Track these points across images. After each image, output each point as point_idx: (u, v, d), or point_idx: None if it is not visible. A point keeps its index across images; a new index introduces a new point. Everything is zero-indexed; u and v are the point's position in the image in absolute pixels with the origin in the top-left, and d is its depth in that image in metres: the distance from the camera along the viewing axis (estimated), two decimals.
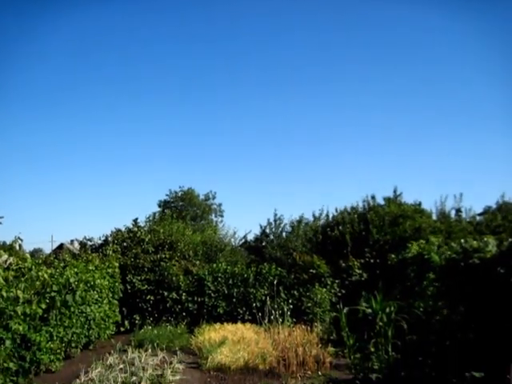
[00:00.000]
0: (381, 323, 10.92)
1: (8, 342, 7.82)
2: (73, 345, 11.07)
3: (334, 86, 60.80)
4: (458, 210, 18.60)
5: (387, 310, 10.99)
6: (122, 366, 9.78)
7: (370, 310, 11.43)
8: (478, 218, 18.53)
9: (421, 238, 14.93)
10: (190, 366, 10.52)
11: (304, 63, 58.67)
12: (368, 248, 16.69)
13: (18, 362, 8.24)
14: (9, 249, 9.40)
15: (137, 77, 62.02)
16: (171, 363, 10.18)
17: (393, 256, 15.03)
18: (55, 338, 9.81)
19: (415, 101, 58.02)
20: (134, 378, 8.98)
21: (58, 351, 10.03)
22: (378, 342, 10.62)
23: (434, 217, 18.53)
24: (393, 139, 62.16)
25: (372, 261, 16.39)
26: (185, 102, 67.15)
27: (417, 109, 57.80)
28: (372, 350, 10.08)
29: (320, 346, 10.64)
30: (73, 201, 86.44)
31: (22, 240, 9.75)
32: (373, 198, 18.76)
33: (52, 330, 9.66)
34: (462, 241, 11.18)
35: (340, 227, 17.53)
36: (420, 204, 18.58)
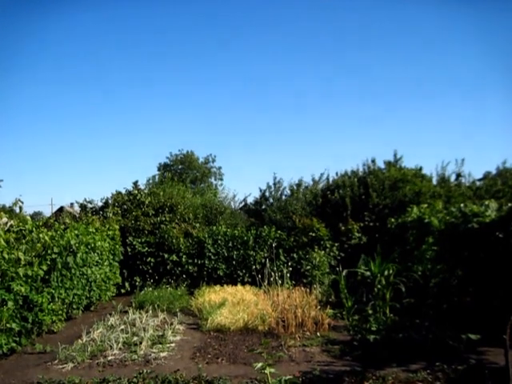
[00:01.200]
0: (379, 286, 11.02)
1: (10, 303, 7.90)
2: (74, 306, 11.19)
3: (336, 48, 60.10)
4: (459, 175, 18.50)
5: (386, 272, 11.08)
6: (123, 326, 9.92)
7: (368, 273, 11.51)
8: (477, 183, 18.45)
9: (420, 203, 14.92)
10: (191, 326, 10.65)
11: (303, 24, 57.76)
12: (368, 212, 16.70)
13: (20, 323, 8.33)
14: (9, 211, 9.41)
15: (136, 41, 61.27)
16: (172, 324, 10.31)
17: (392, 220, 15.04)
18: (57, 299, 9.90)
19: (417, 66, 57.44)
20: (136, 338, 9.11)
21: (60, 312, 10.13)
22: (376, 304, 10.74)
23: (434, 181, 18.46)
24: (395, 105, 61.85)
25: (371, 224, 16.43)
26: (186, 65, 66.55)
27: (420, 74, 57.28)
28: (370, 312, 10.19)
29: (319, 307, 10.73)
30: (73, 164, 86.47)
31: (22, 202, 9.76)
32: (373, 161, 18.64)
33: (53, 291, 9.74)
34: (462, 205, 11.19)
35: (340, 191, 17.49)
36: (421, 169, 18.50)
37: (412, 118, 63.19)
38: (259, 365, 3.02)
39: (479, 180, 18.70)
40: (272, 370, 3.02)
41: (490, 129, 59.77)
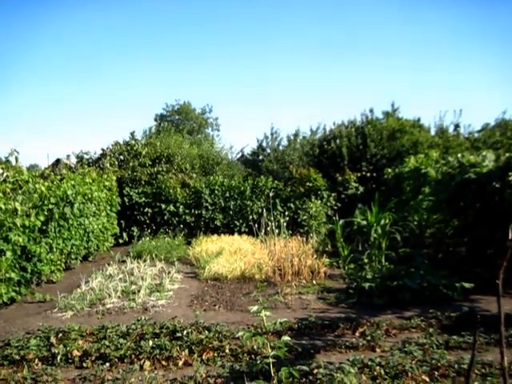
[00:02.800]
0: (375, 235, 11.10)
1: (9, 253, 7.94)
2: (72, 256, 11.28)
3: None
4: (457, 126, 18.42)
5: (382, 222, 11.13)
6: (121, 275, 10.01)
7: (365, 222, 11.58)
8: (476, 134, 18.36)
9: (418, 153, 14.90)
10: (188, 275, 10.78)
11: None
12: (365, 162, 16.68)
13: (19, 273, 8.39)
14: (5, 162, 9.32)
15: None
16: (169, 273, 10.41)
17: (389, 170, 15.05)
18: (55, 249, 9.95)
19: (417, 14, 56.00)
20: (134, 286, 9.22)
21: (59, 262, 10.21)
22: (372, 253, 10.84)
23: (433, 132, 18.40)
24: (394, 55, 60.71)
25: (368, 175, 16.45)
26: (183, 12, 64.88)
27: (419, 23, 55.93)
28: (366, 261, 10.30)
29: (315, 257, 10.82)
30: (69, 118, 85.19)
31: (18, 153, 9.66)
32: (371, 111, 18.49)
33: (51, 241, 9.78)
34: (459, 155, 11.15)
35: (337, 141, 17.40)
36: (419, 119, 18.40)
37: (411, 68, 62.11)
38: (255, 308, 3.05)
39: (478, 131, 18.61)
40: (268, 313, 3.06)
41: (490, 80, 58.85)
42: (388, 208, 11.53)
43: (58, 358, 5.47)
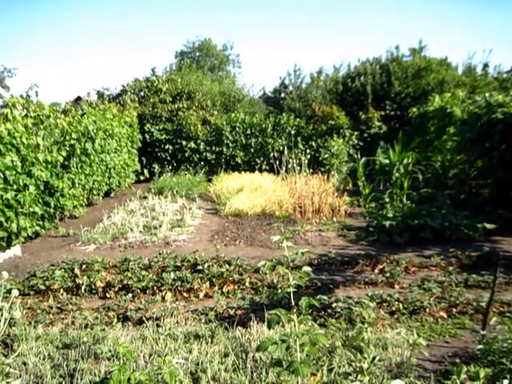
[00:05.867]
0: (397, 174, 10.97)
1: (32, 188, 8.03)
2: (94, 192, 11.41)
3: None
4: (486, 65, 17.79)
5: (405, 161, 10.97)
6: (142, 211, 10.15)
7: (387, 161, 11.44)
8: (504, 75, 17.73)
9: (444, 92, 14.50)
10: (209, 211, 10.87)
11: None
12: (389, 100, 16.33)
13: (43, 207, 8.53)
14: (26, 97, 9.27)
15: None
16: (190, 209, 10.51)
17: (414, 109, 14.72)
18: (77, 185, 10.07)
19: None
20: (155, 222, 9.34)
21: (81, 198, 10.35)
22: (394, 192, 10.75)
23: (460, 71, 17.84)
24: None
25: (392, 113, 16.15)
26: None
27: None
28: (387, 200, 10.22)
29: (336, 195, 10.79)
30: (90, 58, 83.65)
31: (37, 86, 9.59)
32: (397, 48, 17.88)
33: (73, 177, 9.88)
34: (487, 95, 10.82)
35: (361, 78, 17.00)
36: (446, 58, 17.79)
37: (440, 7, 59.37)
38: (276, 237, 3.02)
39: (507, 72, 17.97)
40: (289, 244, 3.03)
41: None
42: (411, 147, 11.33)
43: (82, 288, 5.61)
